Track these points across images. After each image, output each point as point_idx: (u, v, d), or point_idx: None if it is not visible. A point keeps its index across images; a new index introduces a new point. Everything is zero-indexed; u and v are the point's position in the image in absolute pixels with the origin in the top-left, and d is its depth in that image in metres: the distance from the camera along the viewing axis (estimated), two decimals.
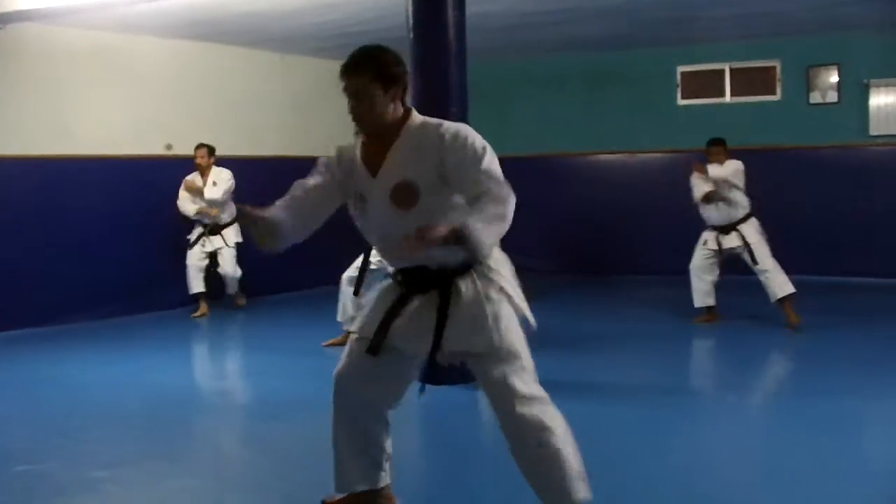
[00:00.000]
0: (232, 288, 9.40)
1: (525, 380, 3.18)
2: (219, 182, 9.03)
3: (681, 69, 11.15)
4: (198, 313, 9.05)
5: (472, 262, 3.15)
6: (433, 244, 2.86)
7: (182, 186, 9.07)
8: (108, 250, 8.90)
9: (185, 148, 9.40)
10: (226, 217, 9.15)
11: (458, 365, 3.31)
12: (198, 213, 9.06)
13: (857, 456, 4.43)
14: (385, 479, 3.58)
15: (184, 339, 8.29)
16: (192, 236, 9.19)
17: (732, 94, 10.90)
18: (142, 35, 9.07)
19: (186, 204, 9.08)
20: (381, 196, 3.21)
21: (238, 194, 8.92)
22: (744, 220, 7.77)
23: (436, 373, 3.38)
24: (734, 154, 7.99)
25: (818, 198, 10.33)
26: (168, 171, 9.30)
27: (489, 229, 2.94)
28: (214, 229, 9.17)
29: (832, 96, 10.46)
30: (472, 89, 5.95)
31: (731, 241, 7.78)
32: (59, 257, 8.54)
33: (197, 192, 9.04)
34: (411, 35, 5.67)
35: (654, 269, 10.69)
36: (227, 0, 7.69)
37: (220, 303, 9.42)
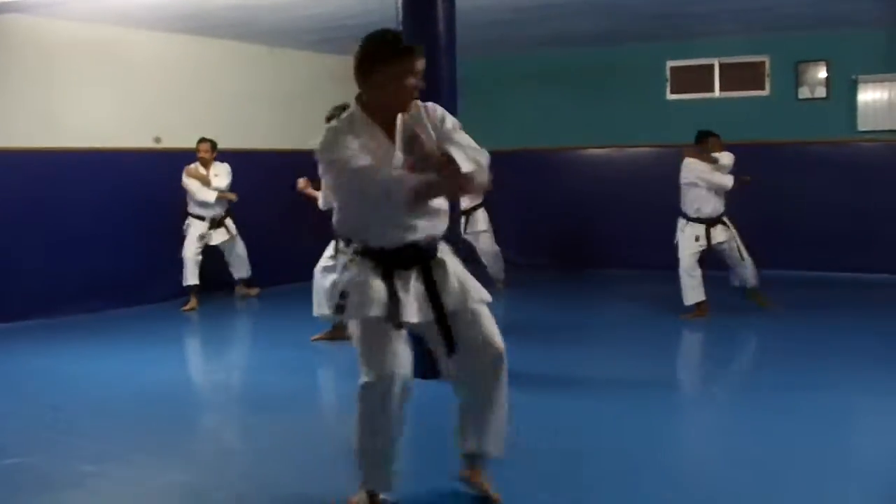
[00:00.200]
0: (245, 270, 9.59)
1: (496, 327, 3.64)
2: (220, 174, 9.23)
3: (670, 64, 11.17)
4: (188, 307, 9.04)
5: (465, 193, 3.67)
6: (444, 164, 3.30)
7: (186, 174, 9.12)
8: (99, 243, 8.87)
9: (174, 141, 9.39)
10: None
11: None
12: (218, 198, 9.19)
13: (843, 449, 4.45)
14: None
15: (175, 332, 8.27)
16: (195, 230, 9.21)
17: (722, 90, 10.92)
18: (132, 28, 9.04)
19: (205, 192, 9.14)
20: (398, 161, 3.47)
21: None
22: (725, 212, 7.85)
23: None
24: (723, 148, 8.07)
25: (806, 193, 10.35)
26: (158, 165, 9.30)
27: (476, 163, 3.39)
28: (218, 223, 9.28)
29: (821, 92, 10.49)
30: (461, 84, 5.96)
31: (718, 235, 7.83)
32: (48, 250, 8.52)
33: (203, 181, 9.11)
34: (401, 28, 5.66)
35: (644, 263, 10.72)
36: None
37: (220, 295, 9.52)
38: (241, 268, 9.65)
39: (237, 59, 10.21)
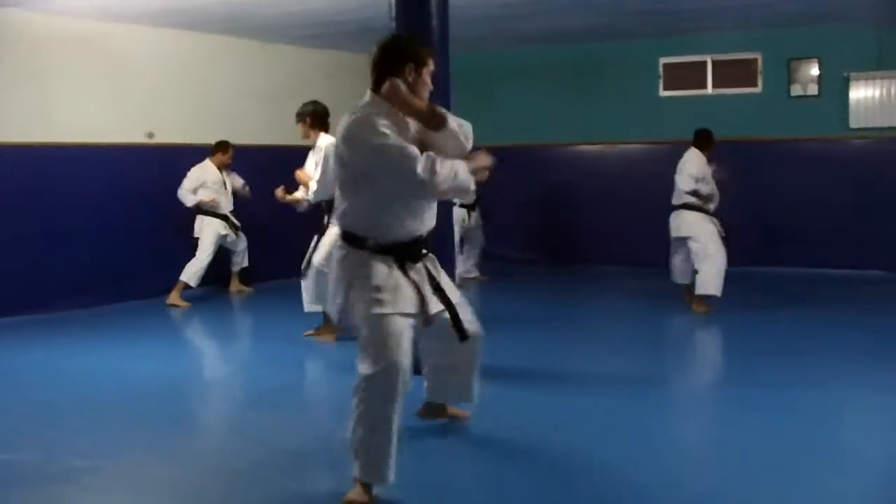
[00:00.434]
0: (246, 261, 9.77)
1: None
2: (231, 175, 9.53)
3: (663, 61, 11.18)
4: (185, 305, 8.98)
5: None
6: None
7: (198, 180, 9.19)
8: (91, 238, 8.85)
9: (166, 136, 9.37)
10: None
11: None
12: (235, 193, 9.51)
13: (837, 445, 4.46)
14: None
15: (168, 328, 8.25)
16: (214, 228, 9.24)
17: (714, 87, 10.93)
18: (124, 23, 9.01)
19: (221, 195, 9.35)
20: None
21: None
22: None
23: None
24: (716, 146, 8.08)
25: (798, 190, 10.38)
26: (151, 160, 9.28)
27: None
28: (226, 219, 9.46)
29: (813, 89, 10.52)
30: (455, 79, 5.96)
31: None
32: (41, 245, 8.49)
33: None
34: (393, 24, 5.65)
35: (636, 260, 10.74)
36: None
37: (213, 290, 9.56)
38: (244, 260, 9.83)
39: (229, 54, 10.19)
